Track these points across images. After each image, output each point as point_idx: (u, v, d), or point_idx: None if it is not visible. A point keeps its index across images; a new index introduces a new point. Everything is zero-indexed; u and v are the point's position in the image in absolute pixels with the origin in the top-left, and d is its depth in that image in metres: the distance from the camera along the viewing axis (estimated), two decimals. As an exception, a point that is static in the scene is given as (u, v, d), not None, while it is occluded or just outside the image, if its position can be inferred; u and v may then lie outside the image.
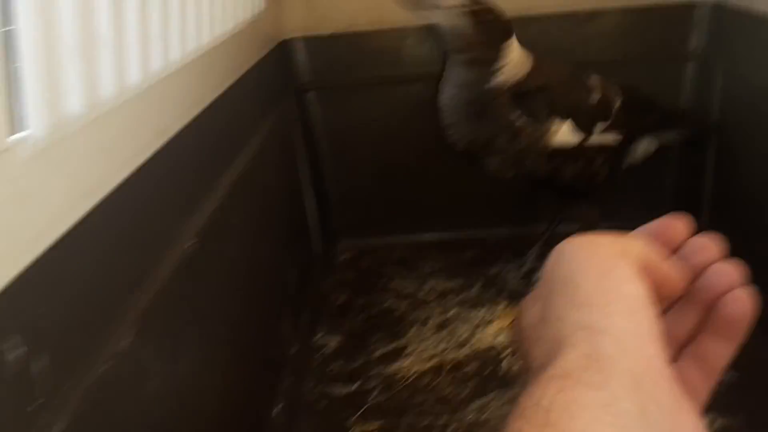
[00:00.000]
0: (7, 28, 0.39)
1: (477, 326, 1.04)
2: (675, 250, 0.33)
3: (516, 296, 1.09)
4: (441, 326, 1.05)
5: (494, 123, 0.92)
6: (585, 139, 0.97)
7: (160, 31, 0.63)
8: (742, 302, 0.30)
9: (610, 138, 0.99)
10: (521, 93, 0.92)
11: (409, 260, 1.24)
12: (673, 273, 0.31)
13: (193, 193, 0.70)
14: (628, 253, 0.29)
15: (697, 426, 0.27)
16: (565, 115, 0.94)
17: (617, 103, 1.00)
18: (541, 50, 1.09)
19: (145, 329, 0.51)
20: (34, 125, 0.39)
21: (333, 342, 1.04)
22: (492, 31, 0.91)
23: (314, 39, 1.16)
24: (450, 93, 0.93)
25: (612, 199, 1.07)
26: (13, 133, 0.37)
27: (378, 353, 1.00)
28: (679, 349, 0.32)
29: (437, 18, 0.90)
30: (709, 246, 0.32)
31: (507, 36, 0.93)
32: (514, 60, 0.93)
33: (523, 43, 0.97)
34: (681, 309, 0.32)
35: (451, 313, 1.08)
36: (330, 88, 1.11)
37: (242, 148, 0.89)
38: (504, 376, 0.94)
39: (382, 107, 1.18)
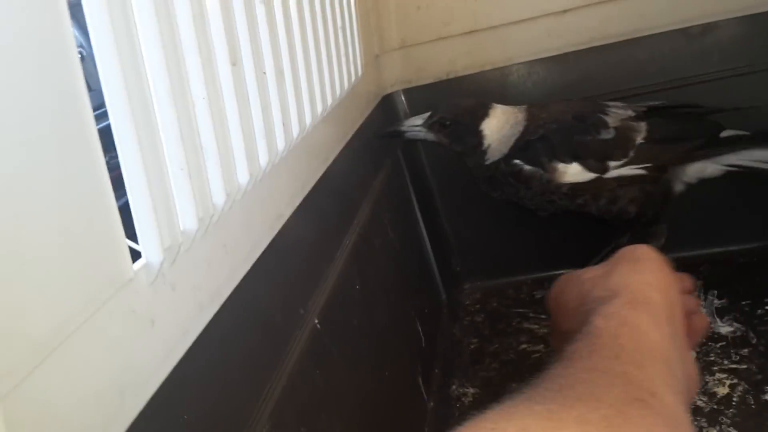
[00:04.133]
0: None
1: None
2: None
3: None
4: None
5: (506, 188, 1.01)
6: (601, 176, 0.96)
7: (269, 124, 0.63)
8: (703, 320, 0.52)
9: (632, 172, 0.97)
10: (521, 147, 0.98)
11: (540, 298, 1.19)
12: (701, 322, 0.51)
13: (316, 267, 0.72)
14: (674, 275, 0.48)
15: (693, 362, 0.46)
16: (569, 159, 0.96)
17: (639, 138, 0.97)
18: (654, 70, 1.04)
19: (281, 415, 0.51)
20: (154, 249, 0.41)
21: (469, 393, 1.02)
22: (458, 129, 0.99)
23: (414, 89, 1.16)
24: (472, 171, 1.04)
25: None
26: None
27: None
28: None
29: (412, 136, 1.03)
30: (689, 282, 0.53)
31: (480, 119, 0.99)
32: (497, 131, 0.99)
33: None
34: None
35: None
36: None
37: (357, 211, 0.90)
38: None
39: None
